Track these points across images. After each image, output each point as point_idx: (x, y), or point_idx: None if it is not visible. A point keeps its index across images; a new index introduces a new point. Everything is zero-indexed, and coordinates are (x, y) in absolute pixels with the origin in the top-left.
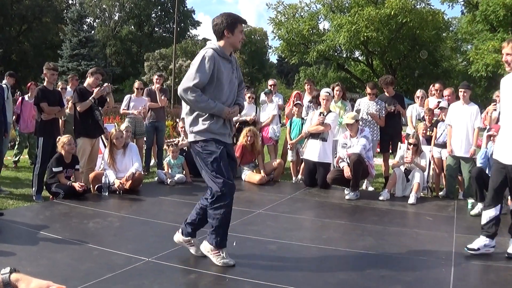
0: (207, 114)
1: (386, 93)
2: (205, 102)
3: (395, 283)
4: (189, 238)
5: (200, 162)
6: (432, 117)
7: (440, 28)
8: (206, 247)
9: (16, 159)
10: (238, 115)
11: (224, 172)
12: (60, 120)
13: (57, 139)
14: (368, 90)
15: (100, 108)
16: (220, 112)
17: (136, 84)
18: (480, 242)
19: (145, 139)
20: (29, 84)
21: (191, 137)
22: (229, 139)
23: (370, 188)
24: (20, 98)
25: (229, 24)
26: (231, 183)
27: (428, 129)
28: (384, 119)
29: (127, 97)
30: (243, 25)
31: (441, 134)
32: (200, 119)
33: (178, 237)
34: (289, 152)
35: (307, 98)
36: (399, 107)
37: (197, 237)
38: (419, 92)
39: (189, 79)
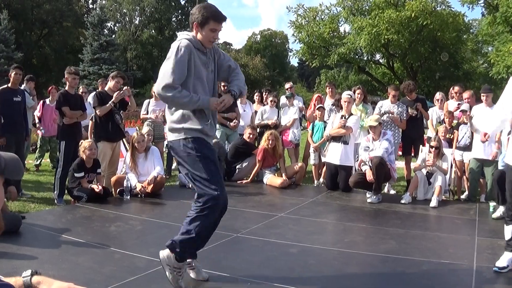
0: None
1: (408, 97)
2: (188, 97)
3: (417, 286)
4: (190, 260)
5: (184, 163)
6: (452, 120)
7: (460, 30)
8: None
9: (38, 162)
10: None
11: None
12: (90, 123)
13: (80, 143)
14: (392, 92)
15: (121, 112)
16: (206, 105)
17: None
18: (507, 257)
19: (165, 143)
20: (50, 88)
21: (172, 136)
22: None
23: (392, 192)
24: (41, 102)
25: (201, 18)
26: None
27: (448, 132)
28: (405, 122)
29: (146, 101)
30: (219, 23)
31: (463, 137)
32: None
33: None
34: (311, 155)
35: (328, 101)
36: (421, 108)
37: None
38: (438, 95)
39: (166, 75)
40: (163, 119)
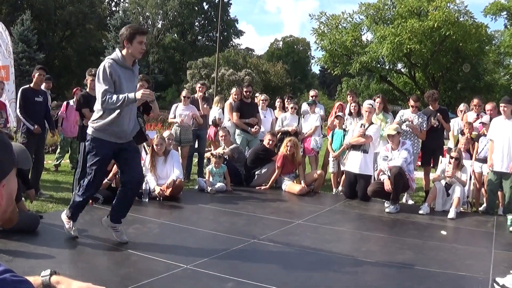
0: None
1: (430, 107)
2: (116, 98)
3: None
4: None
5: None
6: (472, 131)
7: (482, 41)
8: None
9: (57, 162)
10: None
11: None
12: None
13: None
14: (412, 102)
15: (143, 115)
16: (132, 98)
17: (184, 92)
18: None
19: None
20: (74, 89)
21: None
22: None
23: (410, 202)
24: (65, 103)
25: (128, 35)
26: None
27: (468, 143)
28: (425, 132)
29: (174, 105)
30: (143, 35)
31: (483, 148)
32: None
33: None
34: (331, 163)
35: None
36: (442, 120)
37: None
38: (462, 106)
39: (100, 92)
40: (191, 123)
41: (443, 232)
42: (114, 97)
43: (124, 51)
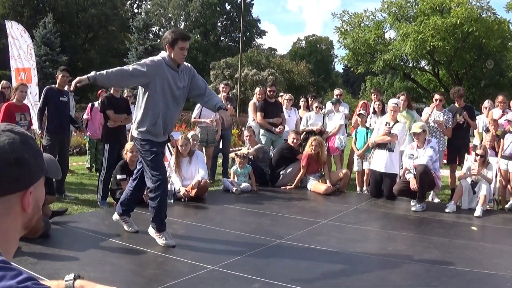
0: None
1: (456, 104)
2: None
3: None
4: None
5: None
6: (497, 128)
7: (505, 37)
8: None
9: (89, 165)
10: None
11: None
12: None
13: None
14: (436, 97)
15: None
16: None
17: None
18: None
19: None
20: (99, 91)
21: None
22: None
23: (436, 200)
24: (89, 105)
25: (170, 40)
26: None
27: (494, 140)
28: (450, 130)
29: (198, 106)
30: (185, 42)
31: (508, 145)
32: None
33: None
34: (355, 162)
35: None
36: (467, 118)
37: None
38: (486, 103)
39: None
40: (215, 124)
41: (474, 228)
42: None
43: (168, 54)
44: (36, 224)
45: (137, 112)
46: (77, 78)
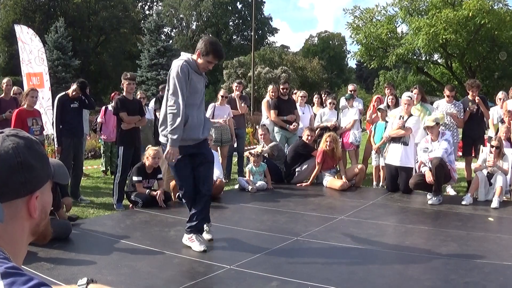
0: None
1: (469, 96)
2: (177, 120)
3: None
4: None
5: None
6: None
7: None
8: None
9: (104, 168)
10: None
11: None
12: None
13: (146, 148)
14: (447, 92)
15: None
16: (172, 141)
17: (222, 92)
18: None
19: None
20: (112, 94)
21: None
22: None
23: (453, 192)
24: (103, 108)
25: (205, 50)
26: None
27: (509, 131)
28: (462, 121)
29: (211, 105)
30: (217, 59)
31: None
32: None
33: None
34: (373, 156)
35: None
36: (481, 104)
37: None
38: (500, 94)
39: (172, 97)
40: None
41: (491, 219)
42: (178, 119)
43: (195, 57)
44: (44, 230)
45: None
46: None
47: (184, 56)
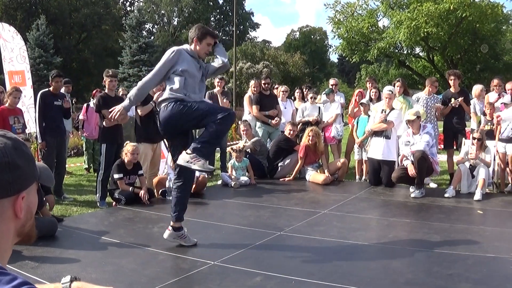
0: None
1: (452, 88)
2: (136, 89)
3: (463, 281)
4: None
5: None
6: (493, 111)
7: (499, 21)
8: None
9: (87, 166)
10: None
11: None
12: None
13: (124, 144)
14: (428, 85)
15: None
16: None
17: None
18: None
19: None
20: (94, 91)
21: None
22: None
23: (433, 185)
24: (85, 105)
25: (200, 34)
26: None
27: (489, 123)
28: (443, 113)
29: None
30: (213, 39)
31: (505, 128)
32: None
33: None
34: (356, 151)
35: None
36: (463, 103)
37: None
38: (495, 81)
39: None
40: None
41: (480, 211)
42: (135, 88)
43: (192, 46)
44: (30, 231)
45: None
46: (115, 112)
47: (183, 46)
